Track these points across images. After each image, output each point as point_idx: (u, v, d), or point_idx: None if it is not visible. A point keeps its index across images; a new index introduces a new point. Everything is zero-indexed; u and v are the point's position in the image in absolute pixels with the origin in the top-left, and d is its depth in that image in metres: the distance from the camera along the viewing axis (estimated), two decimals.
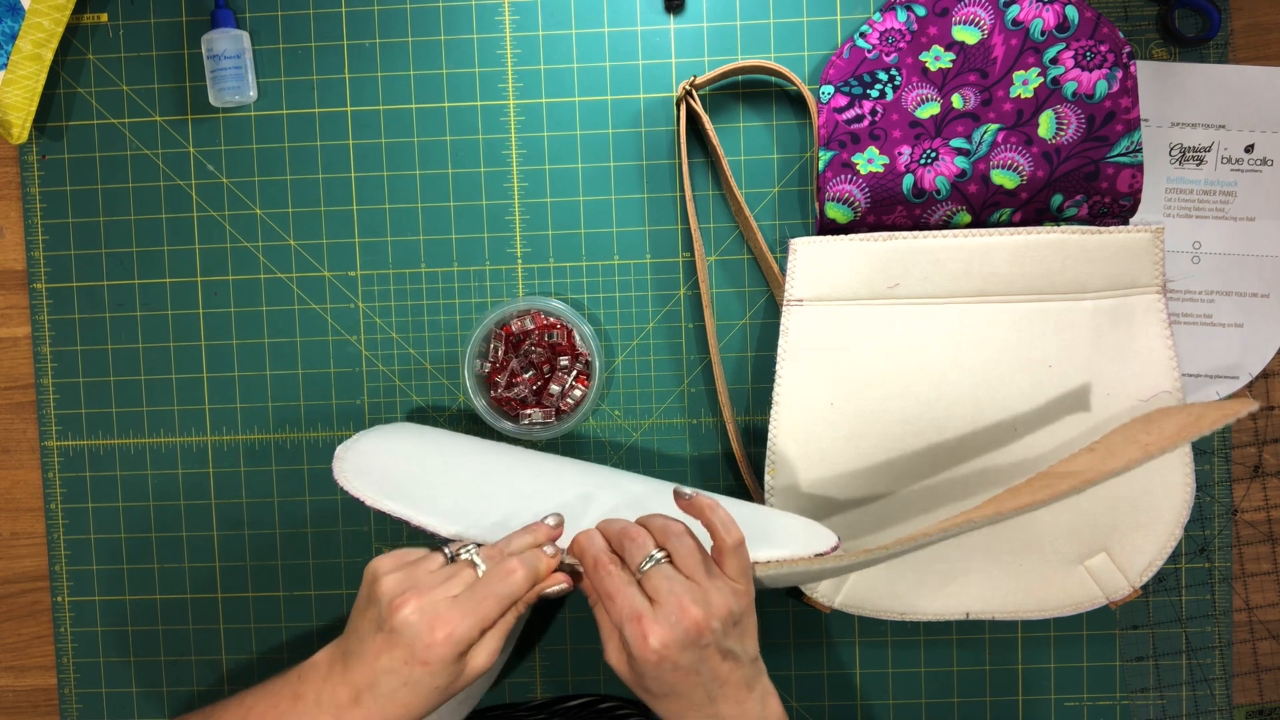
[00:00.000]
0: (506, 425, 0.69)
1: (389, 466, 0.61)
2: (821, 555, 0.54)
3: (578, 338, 0.69)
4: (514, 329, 0.70)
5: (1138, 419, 0.61)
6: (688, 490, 0.52)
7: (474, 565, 0.51)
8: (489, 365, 0.70)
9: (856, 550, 0.52)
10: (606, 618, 0.51)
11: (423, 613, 0.48)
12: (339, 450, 0.62)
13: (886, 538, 0.66)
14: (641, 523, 0.53)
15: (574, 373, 0.69)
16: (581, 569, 0.52)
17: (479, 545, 0.53)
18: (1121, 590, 0.65)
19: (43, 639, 0.75)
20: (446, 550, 0.53)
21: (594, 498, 0.59)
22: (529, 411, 0.69)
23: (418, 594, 0.49)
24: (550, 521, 0.53)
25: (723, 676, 0.50)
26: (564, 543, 0.53)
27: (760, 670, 0.52)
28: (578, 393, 0.69)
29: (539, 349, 0.69)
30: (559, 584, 0.52)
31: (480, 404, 0.68)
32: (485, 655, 0.50)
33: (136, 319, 0.73)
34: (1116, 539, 0.66)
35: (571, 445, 0.72)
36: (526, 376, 0.69)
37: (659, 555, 0.50)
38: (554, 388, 0.69)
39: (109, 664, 0.74)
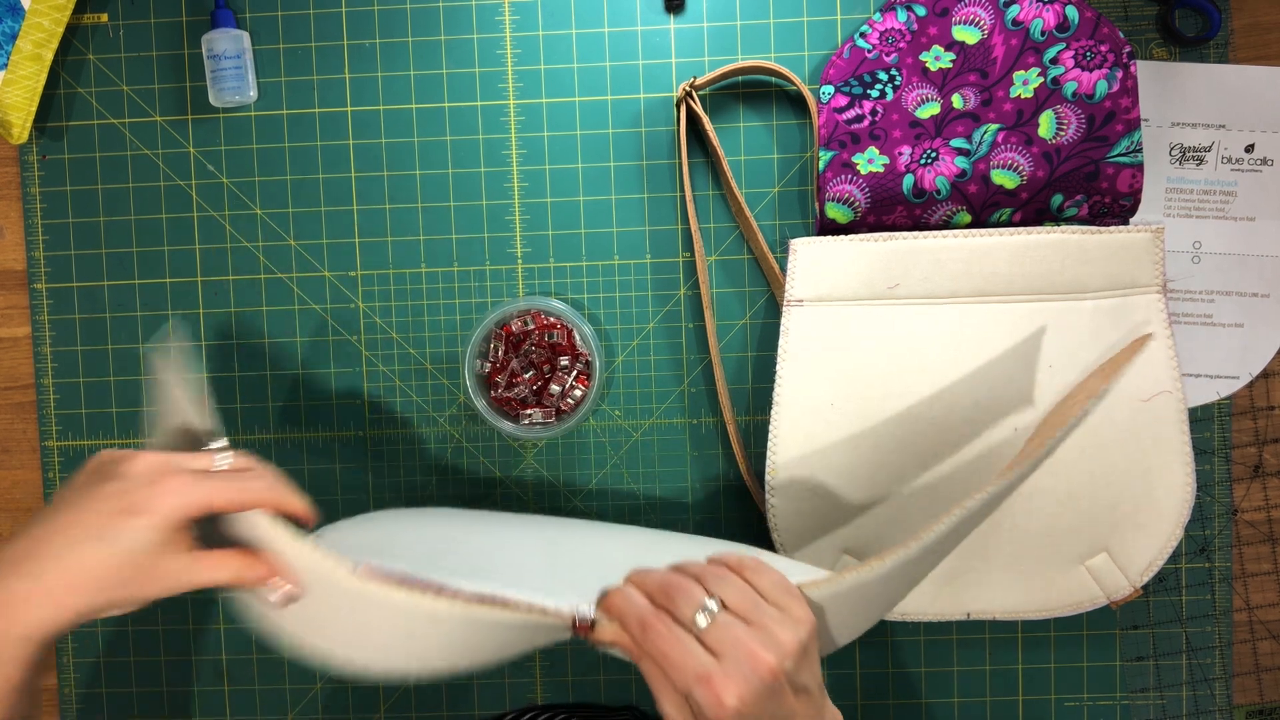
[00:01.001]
0: (506, 425, 0.69)
1: (378, 549, 0.54)
2: (858, 567, 0.48)
3: (578, 338, 0.69)
4: (514, 329, 0.70)
5: (1070, 392, 0.63)
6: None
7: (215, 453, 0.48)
8: (489, 365, 0.70)
9: (889, 552, 0.47)
10: (660, 675, 0.45)
11: (159, 464, 0.45)
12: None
13: (886, 537, 0.66)
14: (678, 568, 0.47)
15: (574, 373, 0.69)
16: (618, 623, 0.46)
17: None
18: (1122, 590, 0.65)
19: None
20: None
21: (608, 562, 0.54)
22: (529, 411, 0.69)
23: (158, 454, 0.46)
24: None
25: (796, 712, 0.45)
26: (592, 597, 0.46)
27: (825, 694, 0.48)
28: (578, 393, 0.69)
29: (539, 349, 0.69)
30: (281, 588, 0.45)
31: (480, 404, 0.68)
32: (187, 577, 0.44)
33: (137, 319, 0.73)
34: (1117, 539, 0.66)
35: (572, 445, 0.72)
36: (527, 376, 0.69)
37: (713, 605, 0.45)
38: (554, 388, 0.69)
39: (109, 664, 0.74)
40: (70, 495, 0.46)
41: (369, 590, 0.43)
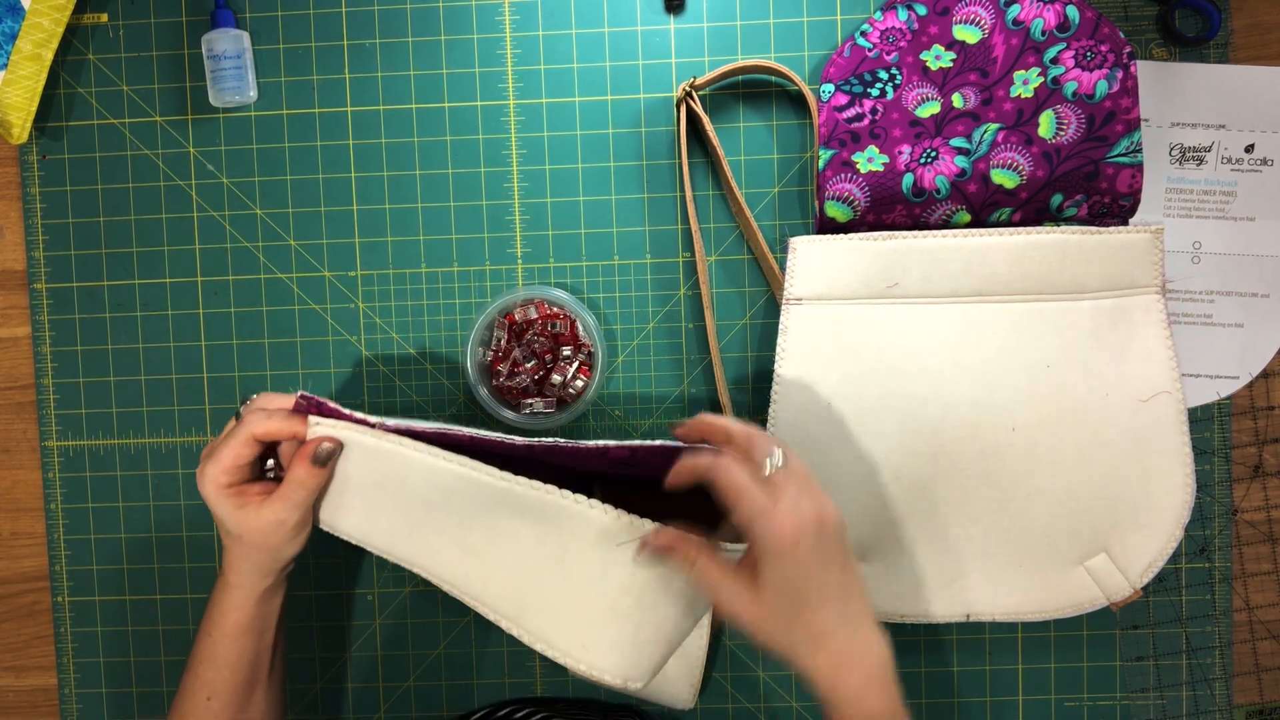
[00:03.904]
0: (508, 414, 0.69)
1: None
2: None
3: (580, 328, 0.69)
4: (517, 318, 0.70)
5: None
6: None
7: (237, 416, 0.58)
8: (491, 354, 0.70)
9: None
10: (715, 569, 0.51)
11: (198, 469, 0.58)
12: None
13: (884, 538, 0.66)
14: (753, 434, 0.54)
15: (576, 363, 0.69)
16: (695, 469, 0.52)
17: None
18: (1122, 591, 0.65)
19: (43, 639, 0.75)
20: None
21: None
22: (530, 401, 0.69)
23: (204, 459, 0.58)
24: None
25: (849, 586, 0.51)
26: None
27: (872, 608, 0.53)
28: (579, 383, 0.69)
29: (542, 338, 0.69)
30: (325, 444, 0.56)
31: (482, 393, 0.68)
32: (264, 510, 0.56)
33: (136, 319, 0.73)
34: (1117, 539, 0.65)
35: None
36: (529, 366, 0.69)
37: (779, 460, 0.51)
38: (556, 377, 0.69)
39: (109, 664, 0.74)
40: None
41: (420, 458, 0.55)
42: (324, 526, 0.59)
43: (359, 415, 0.56)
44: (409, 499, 0.56)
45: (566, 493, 0.53)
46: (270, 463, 0.59)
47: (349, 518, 0.58)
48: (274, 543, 0.57)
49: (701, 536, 0.52)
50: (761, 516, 0.49)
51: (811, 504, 0.50)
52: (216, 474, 0.56)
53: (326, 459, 0.56)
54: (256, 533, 0.57)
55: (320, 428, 0.56)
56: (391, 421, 0.56)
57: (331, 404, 0.57)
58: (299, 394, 0.57)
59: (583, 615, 0.53)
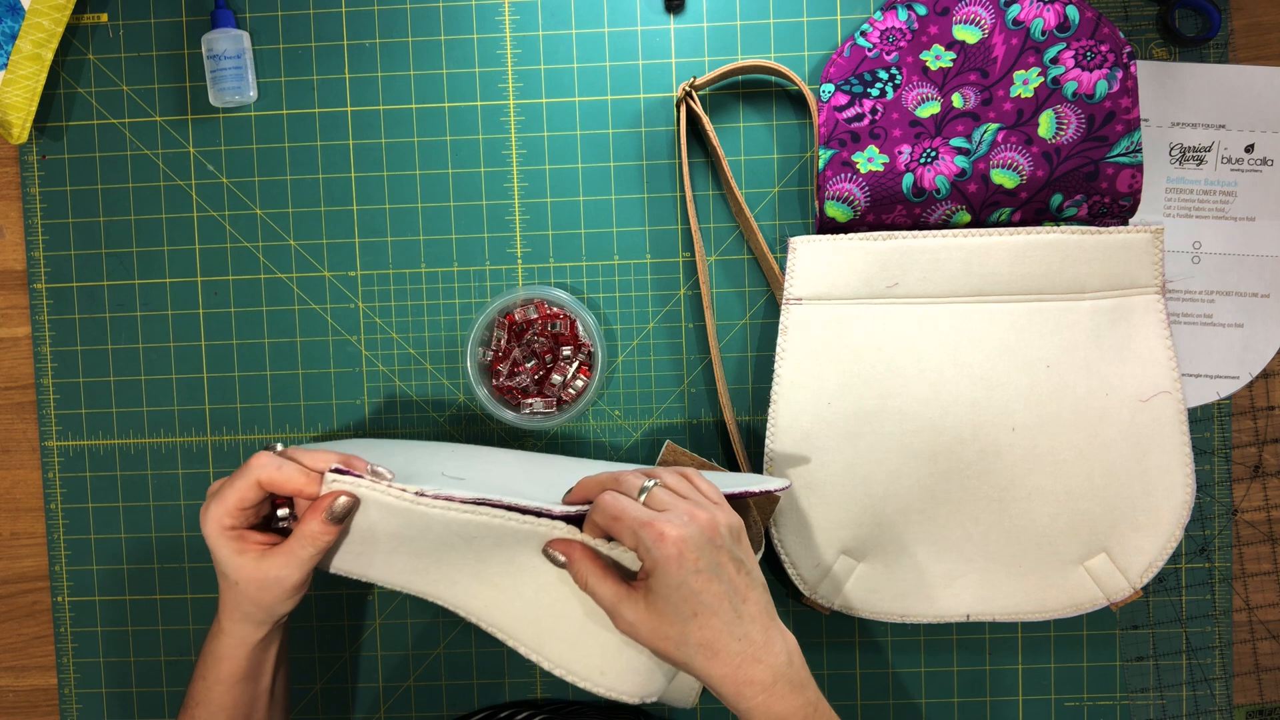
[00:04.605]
0: (508, 415, 0.69)
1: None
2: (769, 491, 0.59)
3: (580, 328, 0.69)
4: (517, 318, 0.70)
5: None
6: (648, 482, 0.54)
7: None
8: (491, 354, 0.70)
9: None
10: (606, 586, 0.52)
11: (202, 508, 0.56)
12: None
13: (884, 538, 0.66)
14: (620, 474, 0.55)
15: (576, 363, 0.69)
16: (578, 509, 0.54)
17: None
18: (1122, 591, 0.65)
19: (43, 639, 0.75)
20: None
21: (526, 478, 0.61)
22: (530, 401, 0.69)
23: (209, 497, 0.56)
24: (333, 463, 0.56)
25: (742, 591, 0.51)
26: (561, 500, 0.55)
27: (772, 605, 0.53)
28: (579, 383, 0.69)
29: (542, 338, 0.69)
30: (342, 499, 0.53)
31: (482, 393, 0.68)
32: (265, 562, 0.54)
33: (136, 319, 0.73)
34: (1116, 539, 0.65)
35: (571, 444, 0.72)
36: (528, 366, 0.69)
37: (651, 484, 0.53)
38: (556, 377, 0.69)
39: (109, 664, 0.74)
40: None
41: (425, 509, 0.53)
42: (335, 571, 0.56)
43: (397, 487, 0.53)
44: (428, 545, 0.55)
45: (587, 536, 0.54)
46: (284, 512, 0.56)
47: (361, 563, 0.56)
48: (268, 599, 0.55)
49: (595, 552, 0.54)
50: (643, 529, 0.50)
51: (696, 513, 0.51)
52: (220, 514, 0.54)
53: (343, 515, 0.53)
54: (252, 584, 0.54)
55: (337, 483, 0.53)
56: (431, 489, 0.53)
57: (362, 467, 0.54)
58: (333, 466, 0.54)
59: (599, 642, 0.55)
